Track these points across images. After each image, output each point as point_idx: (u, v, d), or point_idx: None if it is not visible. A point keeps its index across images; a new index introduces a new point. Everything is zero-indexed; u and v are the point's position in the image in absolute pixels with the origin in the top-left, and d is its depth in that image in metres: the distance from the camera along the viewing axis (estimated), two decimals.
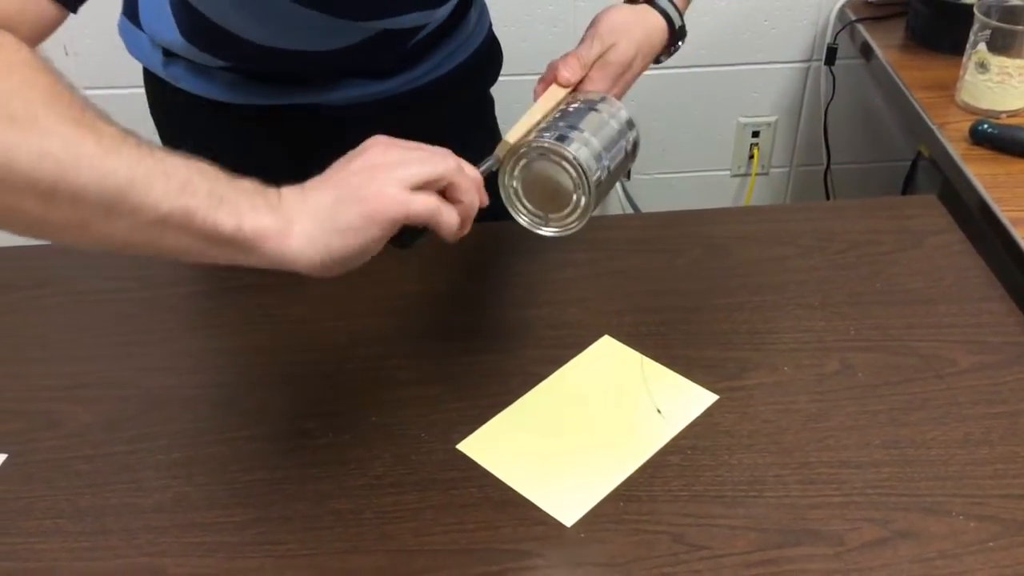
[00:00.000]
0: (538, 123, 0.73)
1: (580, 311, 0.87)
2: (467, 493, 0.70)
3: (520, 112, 0.74)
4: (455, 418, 0.76)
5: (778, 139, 1.78)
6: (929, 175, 1.47)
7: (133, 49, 0.93)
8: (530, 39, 1.56)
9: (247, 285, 0.92)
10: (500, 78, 1.07)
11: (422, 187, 0.61)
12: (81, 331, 0.87)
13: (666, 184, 1.81)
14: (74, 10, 0.59)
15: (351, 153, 0.62)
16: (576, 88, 0.77)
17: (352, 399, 0.78)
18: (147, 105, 1.31)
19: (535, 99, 0.76)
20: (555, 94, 0.76)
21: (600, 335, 0.84)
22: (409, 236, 0.63)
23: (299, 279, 0.91)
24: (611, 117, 0.74)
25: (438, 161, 0.62)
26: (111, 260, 0.96)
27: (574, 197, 0.71)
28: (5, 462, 0.74)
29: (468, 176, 0.64)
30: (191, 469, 0.72)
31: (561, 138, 0.69)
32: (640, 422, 0.75)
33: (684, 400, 0.77)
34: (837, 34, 1.59)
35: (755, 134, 1.76)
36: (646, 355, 0.82)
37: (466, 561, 0.65)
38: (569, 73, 0.76)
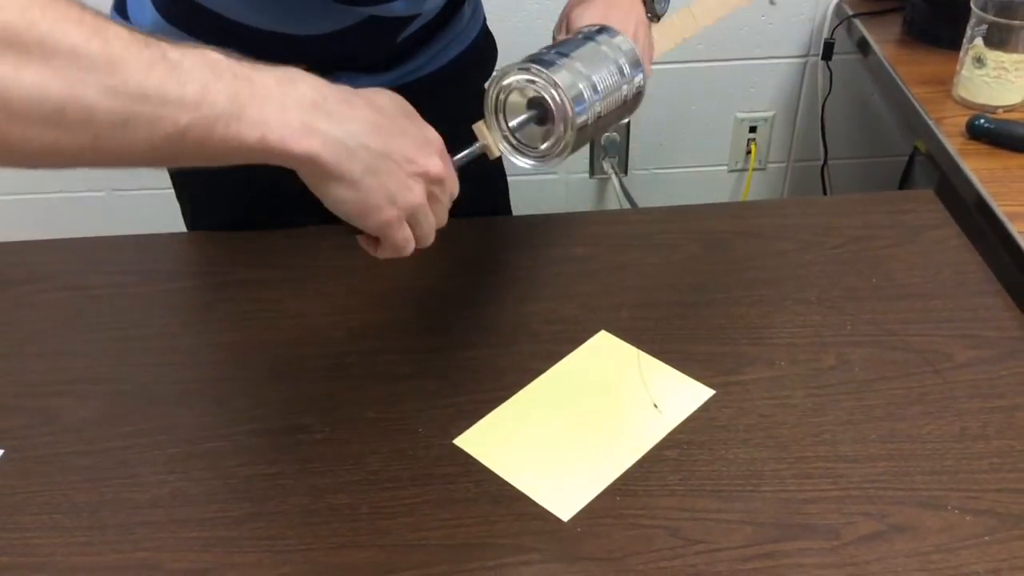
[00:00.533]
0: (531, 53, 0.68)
1: (577, 306, 0.87)
2: (464, 488, 0.70)
3: None
4: (452, 413, 0.76)
5: (775, 134, 1.78)
6: (926, 170, 1.47)
7: None
8: (527, 34, 1.56)
9: (244, 280, 0.92)
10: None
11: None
12: (78, 326, 0.87)
13: (663, 179, 1.81)
14: None
15: (375, 97, 0.59)
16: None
17: (349, 394, 0.78)
18: None
19: None
20: None
21: (597, 330, 0.84)
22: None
23: (296, 274, 0.92)
24: (613, 50, 0.68)
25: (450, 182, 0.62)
26: (110, 255, 0.96)
27: (556, 127, 0.65)
28: (2, 457, 0.74)
29: (446, 190, 0.63)
30: (188, 464, 0.72)
31: (547, 63, 0.64)
32: (637, 417, 0.75)
33: (681, 395, 0.77)
34: (834, 29, 1.59)
35: (752, 129, 1.76)
36: (643, 350, 0.82)
37: (462, 556, 0.65)
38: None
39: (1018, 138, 1.12)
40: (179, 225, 1.06)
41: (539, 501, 0.69)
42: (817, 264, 0.91)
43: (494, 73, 0.68)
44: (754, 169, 1.81)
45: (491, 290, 0.90)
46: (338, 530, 0.67)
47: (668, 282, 0.90)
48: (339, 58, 0.88)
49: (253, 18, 0.80)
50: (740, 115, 1.74)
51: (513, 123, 0.67)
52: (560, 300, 0.88)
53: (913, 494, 0.69)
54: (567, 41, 0.69)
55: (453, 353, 0.82)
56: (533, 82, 0.65)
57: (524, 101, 0.67)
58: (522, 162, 0.69)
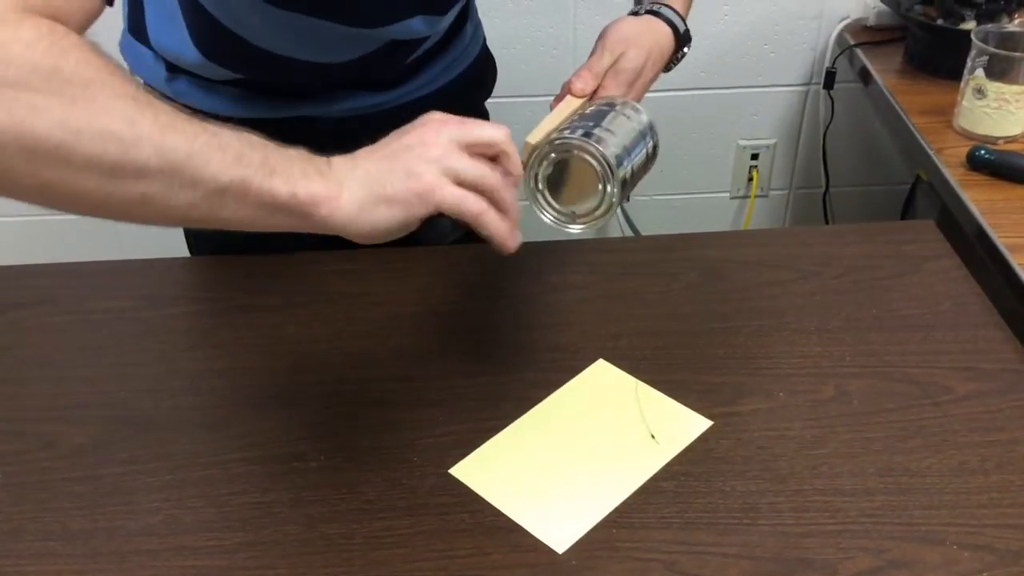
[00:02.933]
0: (558, 127, 0.74)
1: (575, 334, 0.87)
2: (459, 518, 0.69)
3: (523, 133, 0.75)
4: (448, 442, 0.75)
5: (777, 162, 1.78)
6: (929, 199, 1.47)
7: (136, 66, 0.94)
8: (530, 61, 1.57)
9: (244, 305, 0.92)
10: (501, 99, 1.08)
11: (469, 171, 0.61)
12: (78, 351, 0.87)
13: (666, 205, 1.81)
14: (110, 2, 0.59)
15: (406, 126, 0.63)
16: (591, 97, 0.79)
17: (345, 421, 0.78)
18: None
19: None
20: (571, 104, 0.78)
21: (595, 359, 0.84)
22: (444, 228, 0.63)
23: (295, 299, 0.92)
24: (631, 118, 0.75)
25: (490, 128, 0.64)
26: (112, 280, 0.96)
27: (600, 190, 0.71)
28: None
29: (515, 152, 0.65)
30: (183, 492, 0.72)
31: (587, 135, 0.71)
32: (634, 447, 0.75)
33: (678, 425, 0.77)
34: (836, 58, 1.60)
35: (754, 156, 1.76)
36: (641, 379, 0.81)
37: None
38: (582, 84, 0.78)
39: (1019, 169, 1.12)
40: (180, 249, 1.06)
41: (534, 532, 0.68)
42: (817, 294, 0.91)
43: (530, 158, 0.72)
44: (756, 196, 1.81)
45: (489, 317, 0.90)
46: (331, 560, 0.67)
47: (667, 311, 0.90)
48: (355, 80, 0.89)
49: (285, 48, 0.82)
50: (742, 142, 1.75)
51: (556, 203, 0.73)
52: (558, 328, 0.88)
53: (911, 529, 0.68)
54: (593, 113, 0.75)
55: (450, 381, 0.82)
56: (572, 151, 0.71)
57: (559, 174, 0.72)
58: (575, 229, 0.74)
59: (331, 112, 0.91)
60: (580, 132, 0.72)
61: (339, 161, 0.60)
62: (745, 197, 1.82)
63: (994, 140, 1.20)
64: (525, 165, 0.72)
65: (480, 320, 0.89)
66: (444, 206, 0.60)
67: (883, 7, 1.51)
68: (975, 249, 1.04)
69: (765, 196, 1.83)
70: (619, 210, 1.76)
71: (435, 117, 0.64)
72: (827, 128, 1.69)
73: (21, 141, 0.49)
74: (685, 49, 0.87)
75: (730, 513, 0.70)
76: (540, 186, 0.73)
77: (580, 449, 0.75)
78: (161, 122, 0.53)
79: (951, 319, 0.87)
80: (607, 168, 0.70)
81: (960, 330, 0.86)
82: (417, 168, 0.60)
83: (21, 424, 0.79)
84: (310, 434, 0.77)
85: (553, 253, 1.02)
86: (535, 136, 0.73)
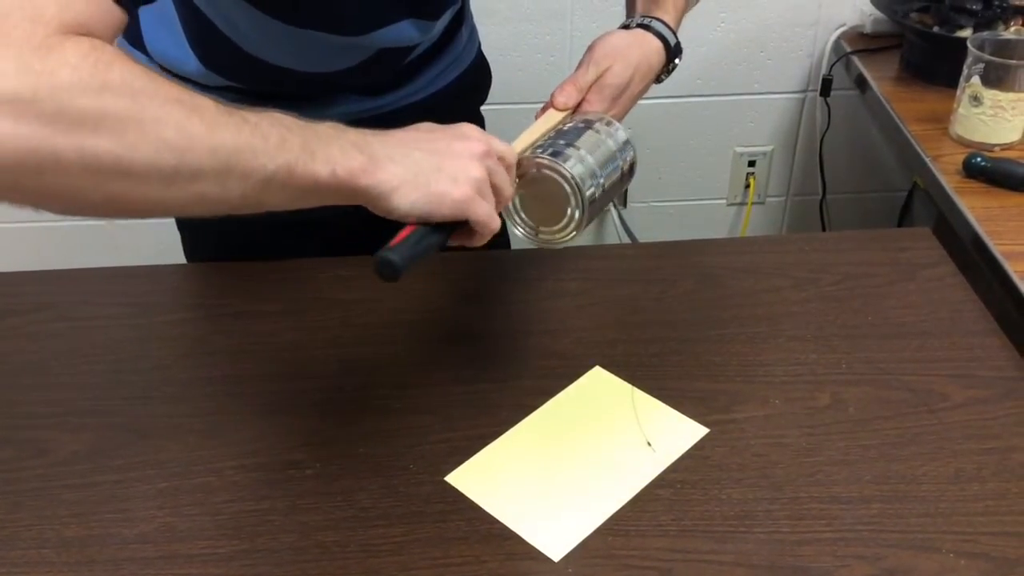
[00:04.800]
0: (535, 142, 0.75)
1: (571, 341, 0.87)
2: (454, 526, 0.69)
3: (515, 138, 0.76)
4: (444, 449, 0.75)
5: (774, 169, 1.79)
6: (926, 205, 1.48)
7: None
8: (526, 68, 1.57)
9: (240, 312, 0.92)
10: (497, 106, 1.08)
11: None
12: (74, 358, 0.87)
13: (663, 212, 1.81)
14: (130, 13, 0.60)
15: (454, 126, 0.67)
16: (575, 111, 0.79)
17: (341, 429, 0.78)
18: None
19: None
20: (553, 117, 0.79)
21: (591, 366, 0.84)
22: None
23: (291, 306, 0.92)
24: (608, 136, 0.76)
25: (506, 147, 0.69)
26: (107, 287, 0.96)
27: (568, 211, 0.73)
28: None
29: (504, 159, 0.68)
30: (178, 499, 0.72)
31: (556, 154, 0.72)
32: (630, 455, 0.75)
33: (674, 433, 0.77)
34: (832, 66, 1.60)
35: (751, 163, 1.76)
36: (637, 386, 0.81)
37: None
38: (564, 97, 0.78)
39: (1015, 177, 1.12)
40: (178, 256, 1.06)
41: (530, 540, 0.68)
42: (813, 301, 0.91)
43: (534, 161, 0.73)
44: (753, 203, 1.81)
45: (486, 324, 0.90)
46: (327, 568, 0.66)
47: (663, 318, 0.90)
48: (350, 87, 0.89)
49: (280, 58, 0.83)
50: (739, 149, 1.75)
51: (527, 217, 0.76)
52: (554, 335, 0.88)
53: (908, 537, 0.68)
54: (569, 131, 0.76)
55: (446, 388, 0.82)
56: (543, 170, 0.72)
57: (533, 191, 0.74)
58: (537, 243, 0.77)
59: (327, 116, 0.91)
60: (550, 151, 0.73)
61: (378, 138, 0.63)
62: (742, 204, 1.82)
63: (990, 147, 1.20)
64: None
65: (476, 327, 0.89)
66: (472, 218, 0.65)
67: (879, 14, 1.52)
68: (971, 256, 1.05)
69: (762, 203, 1.83)
70: (616, 217, 1.76)
71: (472, 132, 0.67)
72: (824, 135, 1.70)
73: (84, 161, 0.51)
74: (676, 61, 0.87)
75: (726, 521, 0.69)
76: (513, 200, 0.74)
77: (576, 456, 0.75)
78: (207, 121, 0.55)
79: (947, 326, 0.87)
80: (575, 188, 0.72)
81: (956, 337, 0.86)
82: (461, 177, 0.64)
83: (15, 431, 0.79)
84: (305, 441, 0.77)
85: (549, 260, 1.02)
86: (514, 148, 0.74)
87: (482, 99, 1.07)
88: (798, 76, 1.67)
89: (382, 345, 0.87)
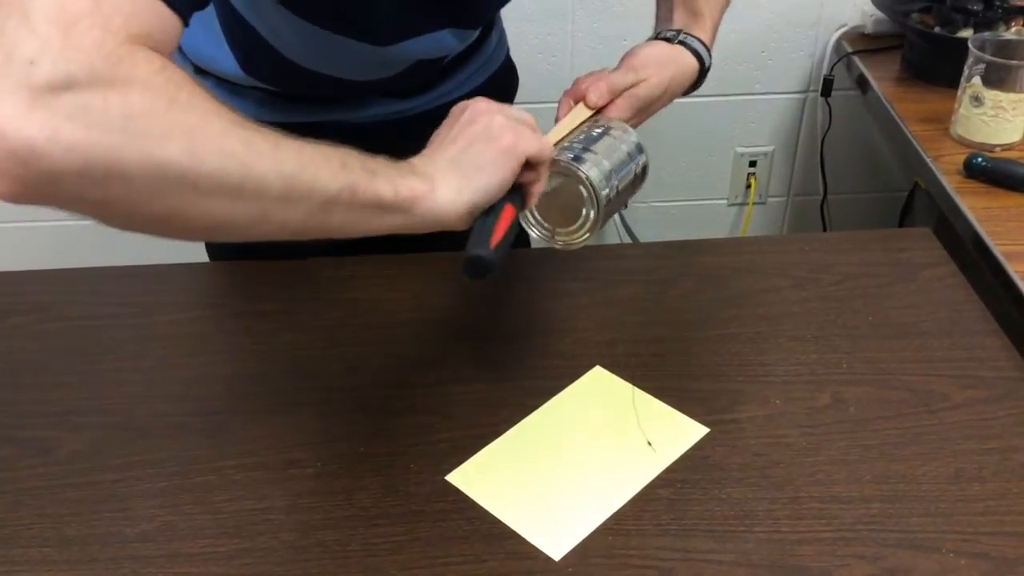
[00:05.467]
0: (560, 142, 0.76)
1: (572, 341, 0.87)
2: (455, 525, 0.69)
3: None
4: (444, 449, 0.75)
5: (775, 169, 1.79)
6: (927, 206, 1.47)
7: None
8: (527, 68, 1.57)
9: (241, 312, 0.92)
10: None
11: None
12: (74, 357, 0.87)
13: (663, 212, 1.81)
14: (187, 22, 0.60)
15: (453, 114, 0.68)
16: (599, 111, 0.80)
17: (341, 428, 0.78)
18: None
19: (559, 110, 0.80)
20: (580, 114, 0.79)
21: (592, 365, 0.84)
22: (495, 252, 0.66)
23: (293, 306, 0.92)
24: (623, 141, 0.77)
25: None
26: (108, 286, 0.96)
27: (583, 213, 0.74)
28: None
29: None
30: (178, 498, 0.72)
31: (576, 159, 0.73)
32: (630, 454, 0.75)
33: (675, 432, 0.77)
34: (833, 66, 1.60)
35: (752, 164, 1.76)
36: (638, 386, 0.81)
37: None
38: (597, 97, 0.79)
39: (1016, 177, 1.12)
40: (181, 254, 1.06)
41: (530, 540, 0.68)
42: (813, 301, 0.91)
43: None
44: (754, 203, 1.81)
45: (486, 324, 0.90)
46: (327, 567, 0.67)
47: (664, 318, 0.90)
48: (383, 91, 0.90)
49: (323, 66, 0.84)
50: (740, 149, 1.75)
51: (543, 218, 0.77)
52: (555, 335, 0.88)
53: (908, 536, 0.68)
54: (588, 134, 0.77)
55: (447, 388, 0.82)
56: (562, 173, 0.74)
57: (551, 193, 0.74)
58: (554, 243, 0.77)
59: (357, 118, 0.92)
60: (570, 155, 0.74)
61: (419, 161, 0.64)
62: (743, 204, 1.82)
63: (991, 148, 1.20)
64: None
65: (477, 327, 0.89)
66: (530, 152, 0.66)
67: (880, 15, 1.51)
68: (972, 256, 1.04)
69: (763, 203, 1.83)
70: (617, 217, 1.76)
71: (483, 104, 0.68)
72: (825, 135, 1.69)
73: (150, 171, 0.51)
74: (703, 78, 0.87)
75: (726, 520, 0.69)
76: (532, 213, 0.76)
77: (577, 456, 0.75)
78: (271, 140, 0.56)
79: (948, 326, 0.87)
80: (591, 191, 0.73)
81: (957, 337, 0.86)
82: (494, 132, 0.65)
83: (17, 430, 0.79)
84: (306, 441, 0.77)
85: (550, 260, 1.02)
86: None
87: (509, 101, 1.07)
88: (799, 76, 1.67)
89: (383, 345, 0.87)
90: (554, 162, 0.73)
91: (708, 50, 0.86)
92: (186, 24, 0.59)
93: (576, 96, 0.79)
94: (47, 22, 0.48)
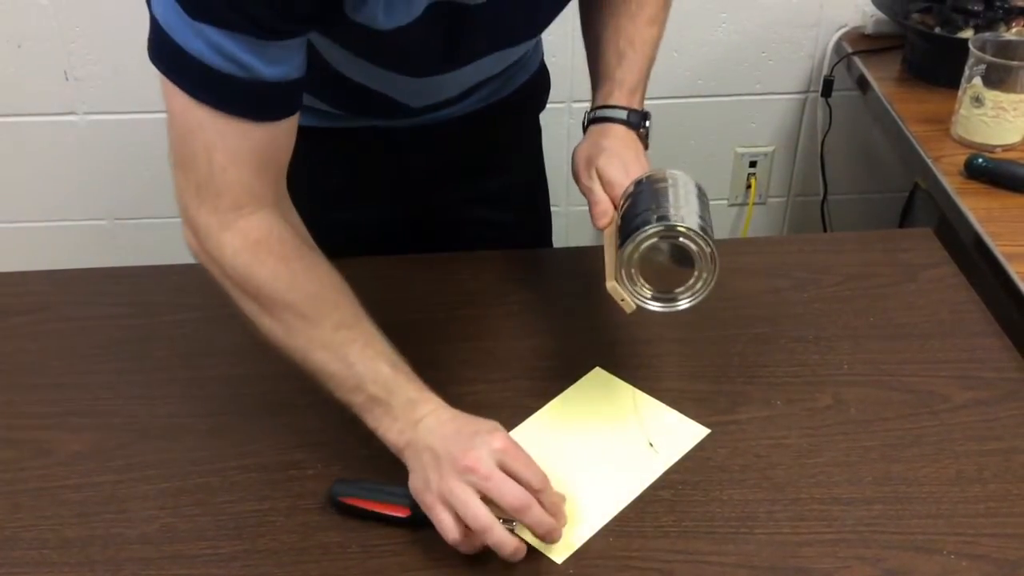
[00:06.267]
0: (619, 246, 0.72)
1: (572, 342, 0.87)
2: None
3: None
4: None
5: (775, 169, 1.78)
6: (927, 206, 1.47)
7: None
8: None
9: (239, 313, 0.91)
10: None
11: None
12: (75, 358, 0.87)
13: None
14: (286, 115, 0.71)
15: (479, 430, 0.69)
16: (618, 209, 0.77)
17: (342, 430, 0.77)
18: (151, 134, 1.29)
19: (583, 184, 0.79)
20: (609, 234, 0.76)
21: (592, 366, 0.84)
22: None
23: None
24: (684, 184, 0.73)
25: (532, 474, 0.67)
26: (107, 287, 0.96)
27: (695, 261, 0.70)
28: None
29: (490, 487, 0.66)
30: (179, 500, 0.72)
31: (659, 218, 0.69)
32: (632, 456, 0.75)
33: (676, 434, 0.77)
34: (834, 66, 1.60)
35: (752, 164, 1.76)
36: (638, 387, 0.81)
37: None
38: (601, 220, 0.77)
39: (1016, 177, 1.12)
40: (180, 254, 1.06)
41: (532, 543, 0.68)
42: (814, 302, 0.91)
43: (630, 238, 0.70)
44: (754, 203, 1.81)
45: (487, 324, 0.90)
46: (328, 569, 0.66)
47: (664, 319, 0.89)
48: (432, 107, 0.90)
49: (376, 85, 0.84)
50: (740, 150, 1.75)
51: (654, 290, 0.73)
52: (556, 335, 0.88)
53: (909, 538, 0.68)
54: (661, 191, 0.72)
55: (448, 388, 0.81)
56: (668, 237, 0.69)
57: (648, 255, 0.70)
58: (657, 308, 0.73)
59: (391, 124, 0.92)
60: (638, 223, 0.70)
61: (423, 426, 0.69)
62: (743, 205, 1.82)
63: (992, 148, 1.20)
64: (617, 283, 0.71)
65: (477, 327, 0.89)
66: (433, 520, 0.67)
67: (881, 15, 1.51)
68: (973, 257, 1.04)
69: (763, 204, 1.83)
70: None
71: (495, 444, 0.67)
72: (825, 136, 1.69)
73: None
74: (647, 124, 0.86)
75: (727, 522, 0.69)
76: (642, 290, 0.72)
77: (577, 458, 0.75)
78: (330, 351, 0.71)
79: (949, 327, 0.87)
80: (710, 246, 0.69)
81: (958, 338, 0.86)
82: (433, 486, 0.67)
83: (17, 432, 0.79)
84: (307, 442, 0.77)
85: (550, 262, 1.03)
86: (609, 275, 0.72)
87: (542, 106, 1.07)
88: (799, 77, 1.67)
89: None
90: (635, 239, 0.69)
91: (627, 108, 0.84)
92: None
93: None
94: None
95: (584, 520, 0.70)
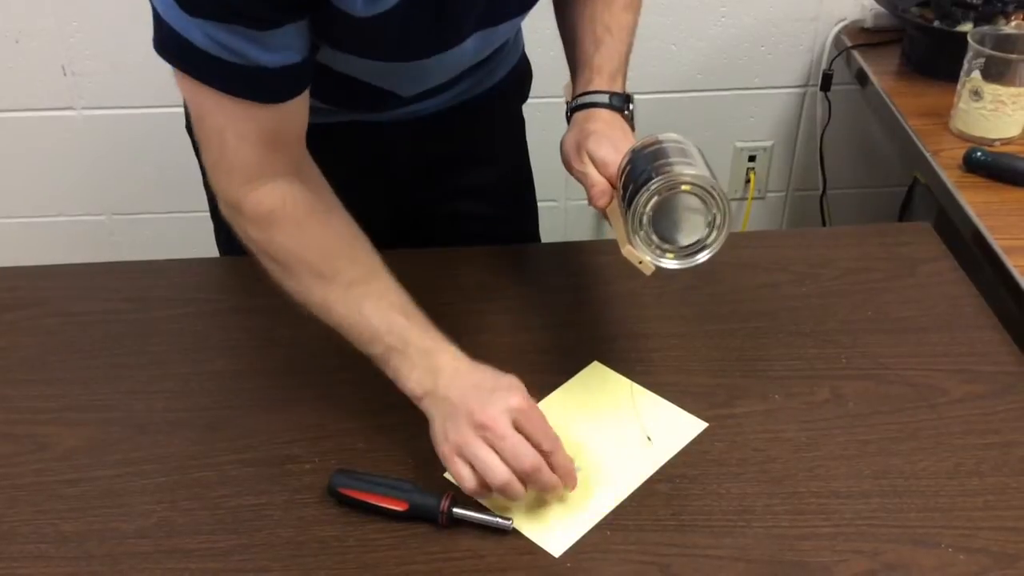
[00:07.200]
0: (625, 211, 0.71)
1: (570, 336, 0.87)
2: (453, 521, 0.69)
3: None
4: None
5: (774, 164, 1.78)
6: (926, 200, 1.47)
7: None
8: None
9: (237, 308, 0.92)
10: None
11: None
12: (71, 353, 0.87)
13: None
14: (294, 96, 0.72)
15: (498, 385, 0.70)
16: (616, 186, 0.76)
17: (339, 424, 0.78)
18: (148, 129, 1.30)
19: (576, 171, 0.79)
20: (614, 209, 0.75)
21: (590, 360, 0.83)
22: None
23: (290, 302, 0.91)
24: (668, 141, 0.72)
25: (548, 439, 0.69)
26: (104, 281, 0.96)
27: (704, 201, 0.69)
28: None
29: (503, 443, 0.68)
30: (175, 494, 0.72)
31: (660, 171, 0.68)
32: (630, 449, 0.75)
33: (674, 427, 0.77)
34: (833, 60, 1.59)
35: (751, 158, 1.76)
36: (636, 381, 0.81)
37: None
38: (600, 199, 0.76)
39: (1015, 171, 1.12)
40: (177, 250, 1.06)
41: (529, 536, 0.68)
42: (813, 296, 0.91)
43: (637, 197, 0.69)
44: (753, 198, 1.81)
45: (486, 318, 0.90)
46: (325, 563, 0.66)
47: (663, 313, 0.90)
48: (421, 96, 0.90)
49: (371, 78, 0.84)
50: (739, 144, 1.75)
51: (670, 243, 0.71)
52: (554, 329, 0.88)
53: (906, 531, 0.68)
54: (656, 151, 0.71)
55: None
56: (673, 187, 0.68)
57: (658, 210, 0.69)
58: (676, 264, 0.71)
59: (379, 119, 0.92)
60: (640, 182, 0.69)
61: (443, 376, 0.71)
62: (742, 199, 1.82)
63: (990, 142, 1.19)
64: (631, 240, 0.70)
65: (475, 322, 0.89)
66: (452, 474, 0.69)
67: (880, 9, 1.51)
68: (972, 251, 1.04)
69: (762, 198, 1.83)
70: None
71: (512, 402, 0.69)
72: (824, 130, 1.69)
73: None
74: (631, 107, 0.84)
75: (725, 515, 0.69)
76: (657, 240, 0.70)
77: (576, 452, 0.75)
78: (346, 303, 0.74)
79: (947, 321, 0.87)
80: (718, 190, 0.68)
81: (956, 332, 0.86)
82: (451, 436, 0.69)
83: (14, 426, 0.79)
84: (304, 436, 0.77)
85: (549, 255, 1.02)
86: (622, 241, 0.71)
87: (524, 97, 1.07)
88: (798, 71, 1.67)
89: None
90: (641, 192, 0.68)
91: (609, 92, 0.83)
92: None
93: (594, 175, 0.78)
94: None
95: (582, 514, 0.70)
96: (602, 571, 0.66)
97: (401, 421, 0.77)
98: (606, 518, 0.69)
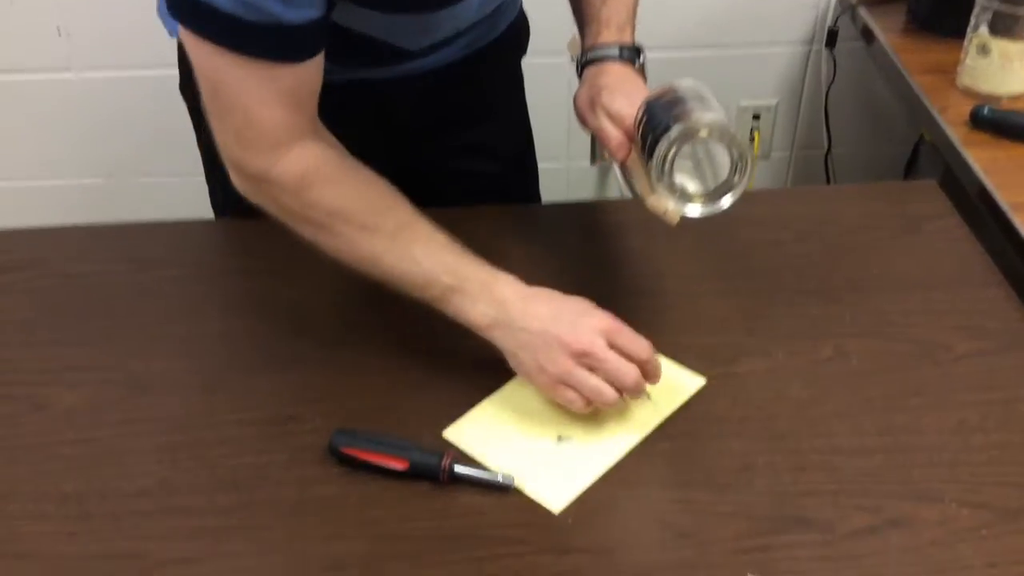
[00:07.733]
0: (647, 162, 0.70)
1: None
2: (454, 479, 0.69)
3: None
4: (443, 404, 0.75)
5: (779, 122, 1.76)
6: (931, 159, 1.46)
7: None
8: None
9: (237, 269, 0.91)
10: None
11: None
12: (69, 314, 0.86)
13: None
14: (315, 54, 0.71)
15: (578, 309, 0.73)
16: (634, 140, 0.76)
17: (339, 385, 0.77)
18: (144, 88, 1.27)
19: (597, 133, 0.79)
20: (634, 160, 0.75)
21: None
22: None
23: (293, 263, 0.90)
24: (684, 88, 0.73)
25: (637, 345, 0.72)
26: (101, 242, 0.95)
27: (727, 145, 0.69)
28: None
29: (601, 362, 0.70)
30: (176, 454, 0.72)
31: (666, 128, 0.68)
32: (630, 407, 0.74)
33: (675, 385, 0.76)
34: (838, 17, 1.57)
35: (756, 117, 1.74)
36: None
37: (451, 547, 0.64)
38: (619, 152, 0.77)
39: (1022, 128, 1.10)
40: (175, 211, 1.05)
41: (529, 493, 0.68)
42: (816, 254, 0.90)
43: (658, 145, 0.68)
44: (757, 157, 1.79)
45: None
46: (326, 520, 0.66)
47: (665, 271, 0.89)
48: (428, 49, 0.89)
49: (380, 33, 0.83)
50: (743, 103, 1.73)
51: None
52: (557, 288, 0.86)
53: (910, 487, 0.68)
54: (673, 99, 0.72)
55: (445, 343, 0.80)
56: (692, 134, 0.68)
57: (679, 158, 0.69)
58: (702, 210, 0.72)
59: (380, 75, 0.90)
60: (659, 132, 0.68)
61: (507, 311, 0.73)
62: None
63: (998, 98, 1.18)
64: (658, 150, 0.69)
65: None
66: (560, 402, 0.72)
67: None
68: (978, 208, 1.03)
69: (767, 157, 1.81)
70: (618, 170, 1.74)
71: (599, 324, 0.71)
72: (829, 88, 1.67)
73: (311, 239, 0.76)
74: (642, 58, 0.84)
75: (727, 472, 0.69)
76: (680, 187, 0.70)
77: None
78: (394, 252, 0.74)
79: (953, 278, 0.86)
80: (735, 132, 0.68)
81: (961, 289, 0.85)
82: (549, 367, 0.70)
83: (13, 387, 0.78)
84: (305, 397, 0.76)
85: (552, 215, 1.02)
86: (646, 193, 0.72)
87: (523, 51, 1.06)
88: (803, 28, 1.64)
89: (383, 303, 0.85)
90: (662, 140, 0.67)
91: (620, 44, 0.83)
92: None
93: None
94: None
95: (582, 470, 0.69)
96: (603, 527, 0.66)
97: (402, 380, 0.77)
98: (607, 475, 0.69)
